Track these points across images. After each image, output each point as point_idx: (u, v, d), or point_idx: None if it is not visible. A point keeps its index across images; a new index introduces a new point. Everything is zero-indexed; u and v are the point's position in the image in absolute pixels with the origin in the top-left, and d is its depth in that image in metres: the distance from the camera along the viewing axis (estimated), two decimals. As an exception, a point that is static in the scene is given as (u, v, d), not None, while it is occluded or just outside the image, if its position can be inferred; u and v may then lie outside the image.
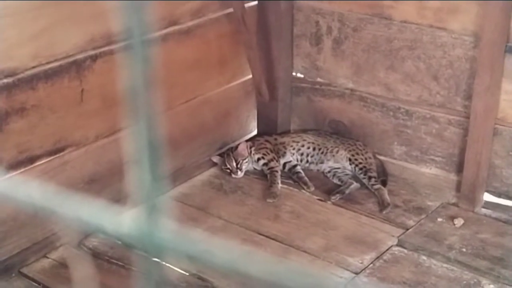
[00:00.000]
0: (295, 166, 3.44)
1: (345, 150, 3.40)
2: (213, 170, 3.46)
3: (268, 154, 3.42)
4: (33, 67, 2.63)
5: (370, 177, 3.27)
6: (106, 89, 2.84)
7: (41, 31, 2.62)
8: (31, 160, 2.69)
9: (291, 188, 3.33)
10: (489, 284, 2.66)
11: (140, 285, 0.55)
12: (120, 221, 0.55)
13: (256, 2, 3.49)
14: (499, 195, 3.15)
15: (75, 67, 2.76)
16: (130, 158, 0.54)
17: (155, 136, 0.53)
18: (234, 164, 3.36)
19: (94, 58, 2.82)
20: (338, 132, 3.54)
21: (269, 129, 3.63)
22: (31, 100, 2.64)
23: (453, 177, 3.26)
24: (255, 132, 3.72)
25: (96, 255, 2.81)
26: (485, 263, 2.78)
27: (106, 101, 2.86)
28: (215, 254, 0.53)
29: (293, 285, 0.51)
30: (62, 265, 2.74)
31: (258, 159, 3.42)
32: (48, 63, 2.67)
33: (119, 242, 2.86)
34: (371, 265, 2.78)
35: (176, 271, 2.69)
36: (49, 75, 2.68)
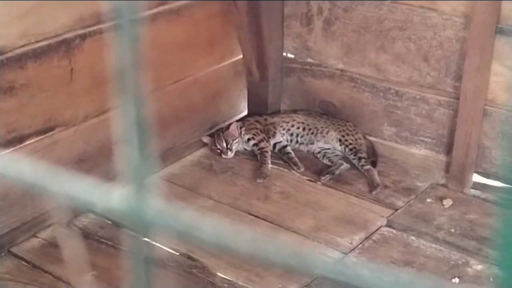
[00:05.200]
0: (285, 146, 3.44)
1: (335, 130, 3.41)
2: (203, 151, 3.46)
3: (258, 134, 3.42)
4: (22, 46, 2.61)
5: (360, 158, 3.28)
6: (95, 69, 2.83)
7: (29, 10, 2.60)
8: (21, 139, 2.68)
9: (281, 168, 3.34)
10: (477, 264, 2.68)
11: (130, 264, 0.56)
12: (110, 198, 0.55)
13: (246, -18, 3.47)
14: (488, 176, 3.17)
15: (64, 46, 2.75)
16: (119, 137, 0.54)
17: (143, 115, 0.53)
18: (224, 144, 3.36)
19: (83, 37, 2.80)
20: (328, 113, 3.54)
21: (259, 110, 3.63)
22: (20, 79, 2.62)
23: (442, 158, 3.27)
24: (245, 113, 3.72)
25: (85, 234, 2.81)
26: (473, 243, 2.80)
27: (96, 80, 2.85)
28: (203, 230, 0.53)
29: (280, 262, 0.51)
30: (52, 244, 2.74)
31: (248, 139, 3.41)
32: (37, 42, 2.65)
33: (109, 222, 2.86)
34: (360, 245, 2.80)
35: (166, 250, 2.70)
36: (38, 54, 2.66)
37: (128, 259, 0.56)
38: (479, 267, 2.67)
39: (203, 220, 0.54)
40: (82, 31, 2.79)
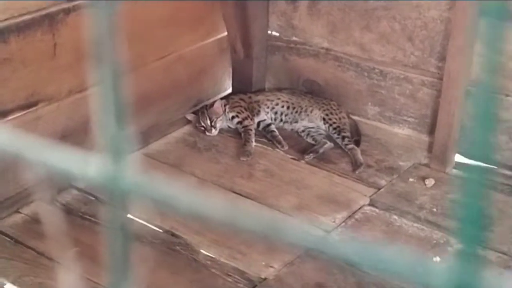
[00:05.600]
0: (269, 125, 3.44)
1: (319, 109, 3.41)
2: (187, 128, 3.45)
3: (243, 112, 3.42)
4: (5, 20, 2.58)
5: (343, 137, 3.29)
6: (79, 43, 2.79)
7: (13, -17, 2.57)
8: (3, 114, 2.66)
9: (265, 146, 3.34)
10: (458, 243, 2.70)
11: (108, 237, 0.56)
12: (87, 167, 0.55)
13: (232, -41, 3.45)
14: (470, 156, 3.18)
15: (48, 21, 2.72)
16: (96, 111, 0.54)
17: (120, 87, 0.53)
18: (208, 122, 3.35)
19: (67, 11, 2.77)
20: (312, 92, 3.54)
21: (243, 87, 3.62)
22: (2, 53, 2.60)
23: (425, 138, 3.29)
24: (229, 90, 3.71)
25: (69, 211, 2.80)
26: (455, 223, 2.82)
27: (80, 55, 2.82)
28: (180, 198, 0.53)
29: (260, 232, 0.52)
30: (35, 220, 2.73)
31: (233, 117, 3.41)
32: (20, 15, 2.62)
33: (93, 198, 2.86)
34: (343, 224, 2.82)
35: (150, 228, 2.70)
36: (21, 28, 2.63)
37: (105, 231, 0.56)
38: (460, 246, 2.69)
39: (180, 189, 0.54)
40: (66, 5, 2.76)
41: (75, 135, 2.92)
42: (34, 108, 2.77)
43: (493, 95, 0.45)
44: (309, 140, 3.36)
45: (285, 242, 0.52)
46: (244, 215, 0.52)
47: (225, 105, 3.43)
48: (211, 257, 2.61)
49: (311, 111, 3.42)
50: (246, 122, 3.38)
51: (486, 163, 0.47)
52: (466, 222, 0.46)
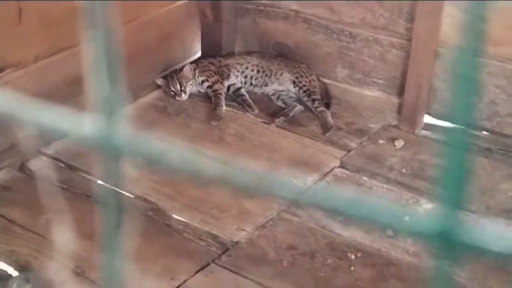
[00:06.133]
0: (239, 88, 3.43)
1: (289, 72, 3.41)
2: (157, 93, 3.43)
3: (212, 76, 3.40)
4: (-32, -15, 2.53)
5: (313, 100, 3.30)
6: (45, 9, 2.76)
7: None
8: (-31, 81, 2.62)
9: (235, 110, 3.34)
10: (427, 203, 2.75)
11: (102, 215, 0.56)
12: (80, 124, 0.55)
13: None
14: (439, 117, 3.22)
15: (12, -15, 2.67)
16: (88, 68, 0.54)
17: (112, 47, 0.53)
18: (178, 86, 3.33)
19: (31, -24, 2.72)
20: (282, 55, 3.53)
21: (213, 51, 3.60)
22: (-34, 19, 2.55)
23: (394, 99, 3.31)
24: (199, 54, 3.69)
25: (38, 177, 2.78)
26: (424, 183, 2.86)
27: (45, 21, 2.78)
28: (173, 155, 0.54)
29: (250, 185, 0.52)
30: (4, 187, 2.71)
31: (202, 81, 3.40)
32: (-17, -20, 2.57)
33: (62, 165, 2.84)
34: (314, 186, 2.83)
35: (121, 193, 2.69)
36: (-16, -6, 2.58)
37: (101, 211, 0.56)
38: (429, 205, 2.73)
39: (173, 146, 0.54)
40: (30, -30, 2.71)
41: (45, 101, 2.89)
42: (1, 74, 2.73)
43: (474, 57, 0.45)
44: (279, 103, 3.37)
45: (277, 195, 0.53)
46: (237, 171, 0.52)
47: (194, 69, 3.41)
48: (184, 222, 2.62)
49: (281, 74, 3.41)
50: (216, 86, 3.37)
51: (461, 125, 0.47)
52: (447, 184, 0.47)
